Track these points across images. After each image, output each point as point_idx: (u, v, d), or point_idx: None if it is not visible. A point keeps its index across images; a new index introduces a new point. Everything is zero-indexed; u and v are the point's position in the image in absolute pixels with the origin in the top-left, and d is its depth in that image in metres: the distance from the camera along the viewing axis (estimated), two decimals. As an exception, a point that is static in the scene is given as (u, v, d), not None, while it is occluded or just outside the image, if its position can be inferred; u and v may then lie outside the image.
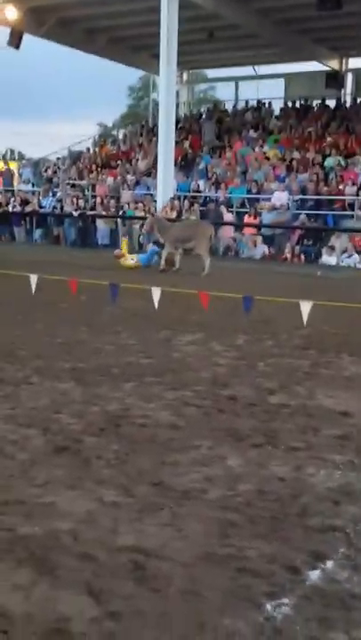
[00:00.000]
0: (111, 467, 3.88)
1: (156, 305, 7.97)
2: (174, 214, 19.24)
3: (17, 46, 23.15)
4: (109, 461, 3.96)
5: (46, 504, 3.38)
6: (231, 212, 19.38)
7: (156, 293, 7.95)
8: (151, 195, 20.76)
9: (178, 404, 5.12)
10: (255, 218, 18.60)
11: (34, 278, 8.63)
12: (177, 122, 22.86)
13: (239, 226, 19.01)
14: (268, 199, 19.15)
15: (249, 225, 18.74)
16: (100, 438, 4.33)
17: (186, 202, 20.15)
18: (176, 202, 19.82)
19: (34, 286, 8.60)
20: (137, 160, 24.49)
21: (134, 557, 2.89)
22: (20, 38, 23.07)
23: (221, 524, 3.23)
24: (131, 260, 13.96)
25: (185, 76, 31.22)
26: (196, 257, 14.33)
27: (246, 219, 18.88)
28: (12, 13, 21.91)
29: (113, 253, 14.35)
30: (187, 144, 24.31)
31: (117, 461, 3.96)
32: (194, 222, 16.63)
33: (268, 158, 21.64)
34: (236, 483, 3.71)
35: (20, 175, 26.22)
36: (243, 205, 19.79)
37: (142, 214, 19.16)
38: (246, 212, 19.12)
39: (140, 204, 19.93)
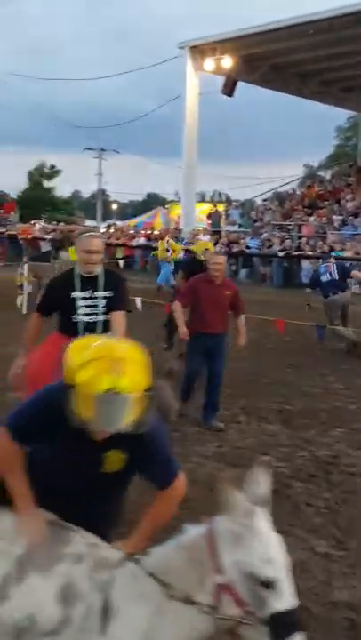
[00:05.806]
0: (322, 515, 3.77)
1: (366, 348, 7.72)
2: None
3: (230, 94, 23.92)
4: (320, 510, 3.85)
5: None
6: None
7: (367, 336, 7.71)
8: (360, 234, 20.37)
9: (391, 455, 4.88)
10: None
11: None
12: (389, 161, 22.35)
13: None
14: None
15: None
16: (309, 484, 4.24)
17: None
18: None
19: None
20: (345, 200, 24.17)
21: (349, 615, 2.76)
22: (234, 86, 23.82)
23: None
24: None
25: None
26: None
27: None
28: (227, 62, 22.76)
29: None
30: None
31: (328, 510, 3.84)
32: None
33: None
34: None
35: (228, 216, 26.90)
36: None
37: (349, 254, 18.76)
38: None
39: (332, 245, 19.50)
